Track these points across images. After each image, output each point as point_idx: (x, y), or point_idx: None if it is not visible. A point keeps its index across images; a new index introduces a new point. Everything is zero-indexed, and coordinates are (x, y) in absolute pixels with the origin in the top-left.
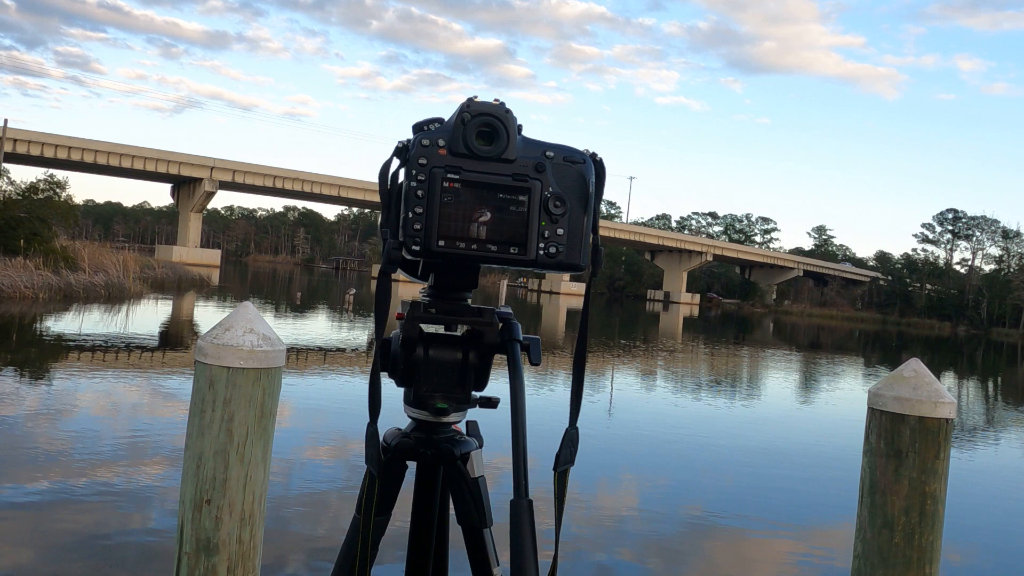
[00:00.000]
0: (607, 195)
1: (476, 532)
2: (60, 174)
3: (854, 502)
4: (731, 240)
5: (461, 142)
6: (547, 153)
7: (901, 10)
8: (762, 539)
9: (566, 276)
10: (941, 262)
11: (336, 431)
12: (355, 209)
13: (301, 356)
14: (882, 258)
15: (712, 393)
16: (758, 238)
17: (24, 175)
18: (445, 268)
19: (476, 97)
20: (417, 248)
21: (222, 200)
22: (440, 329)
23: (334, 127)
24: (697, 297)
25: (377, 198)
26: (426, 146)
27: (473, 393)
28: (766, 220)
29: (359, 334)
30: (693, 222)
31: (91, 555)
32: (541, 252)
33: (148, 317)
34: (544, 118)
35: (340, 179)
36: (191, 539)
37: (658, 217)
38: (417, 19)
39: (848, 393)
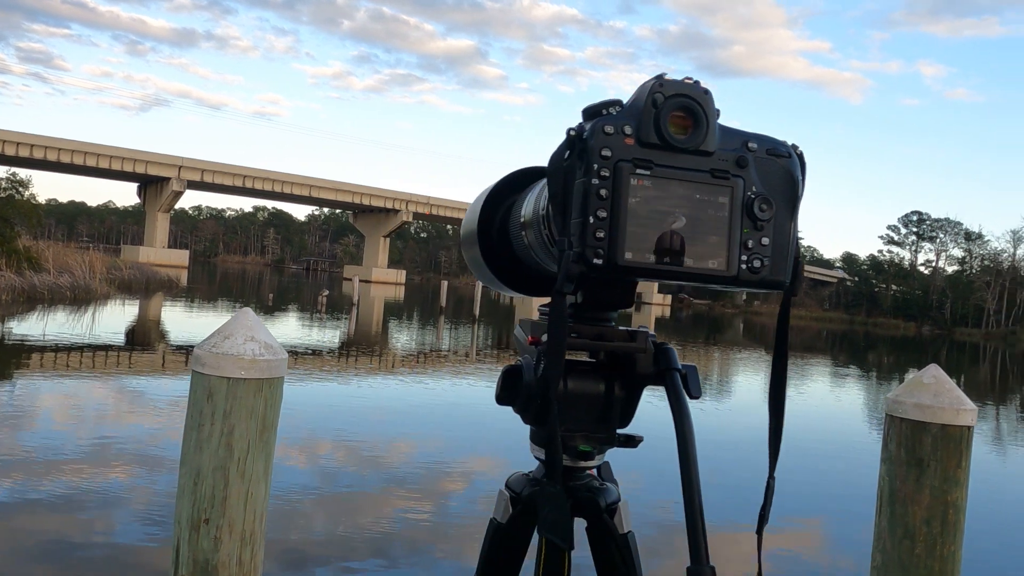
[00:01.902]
0: None
1: None
2: (23, 173)
3: (818, 497)
4: None
5: (652, 129)
6: (749, 144)
7: (866, 16)
8: (727, 534)
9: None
10: (906, 263)
11: (325, 436)
12: (326, 209)
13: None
14: (849, 259)
15: None
16: None
17: None
18: (601, 282)
19: (666, 74)
20: (599, 262)
21: (190, 200)
22: (576, 355)
23: (305, 127)
24: (669, 298)
25: (349, 198)
26: (610, 134)
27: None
28: None
29: (332, 334)
30: None
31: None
32: (743, 267)
33: (115, 319)
34: (516, 119)
35: (311, 179)
36: (187, 561)
37: None
38: (389, 19)
39: (818, 390)
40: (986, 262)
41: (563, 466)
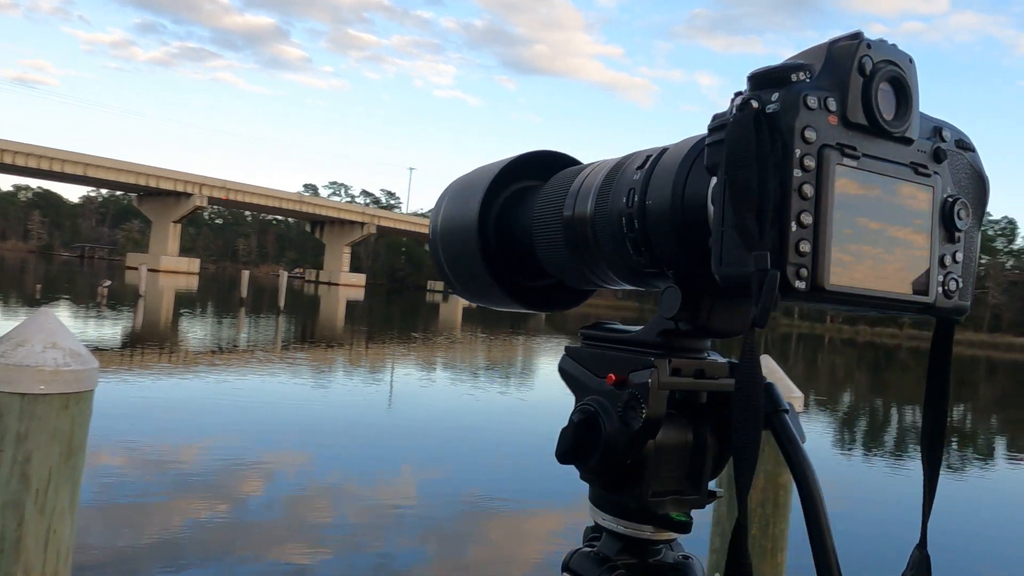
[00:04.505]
0: (388, 184)
1: None
2: None
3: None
4: None
5: (860, 106)
6: (943, 132)
7: (653, 27)
8: (535, 515)
9: (345, 267)
10: None
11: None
12: (104, 191)
13: None
14: None
15: (493, 382)
16: None
17: None
18: (727, 301)
19: (863, 33)
20: (802, 285)
21: None
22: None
23: (79, 98)
24: None
25: (133, 179)
26: (813, 109)
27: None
28: None
29: (113, 330)
30: None
31: None
32: (939, 289)
33: None
34: (321, 103)
35: (86, 156)
36: None
37: None
38: None
39: None
40: None
41: (640, 539)
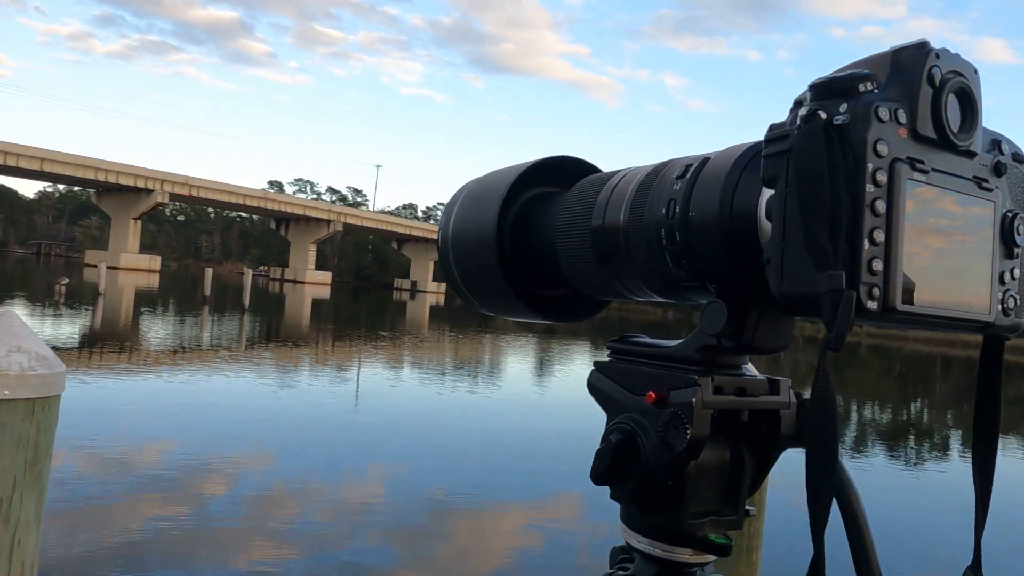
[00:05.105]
0: (354, 182)
1: None
2: None
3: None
4: None
5: (930, 118)
6: (1002, 146)
7: (619, 27)
8: (500, 513)
9: (311, 265)
10: None
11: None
12: (62, 187)
13: None
14: None
15: (462, 379)
16: None
17: None
18: (771, 316)
19: (928, 42)
20: (874, 306)
21: None
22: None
23: (34, 91)
24: (443, 286)
25: (92, 175)
26: (884, 121)
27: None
28: None
29: (71, 329)
30: (439, 212)
31: None
32: (999, 307)
33: None
34: (286, 99)
35: (42, 151)
36: None
37: (405, 206)
38: None
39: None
40: None
41: (676, 561)
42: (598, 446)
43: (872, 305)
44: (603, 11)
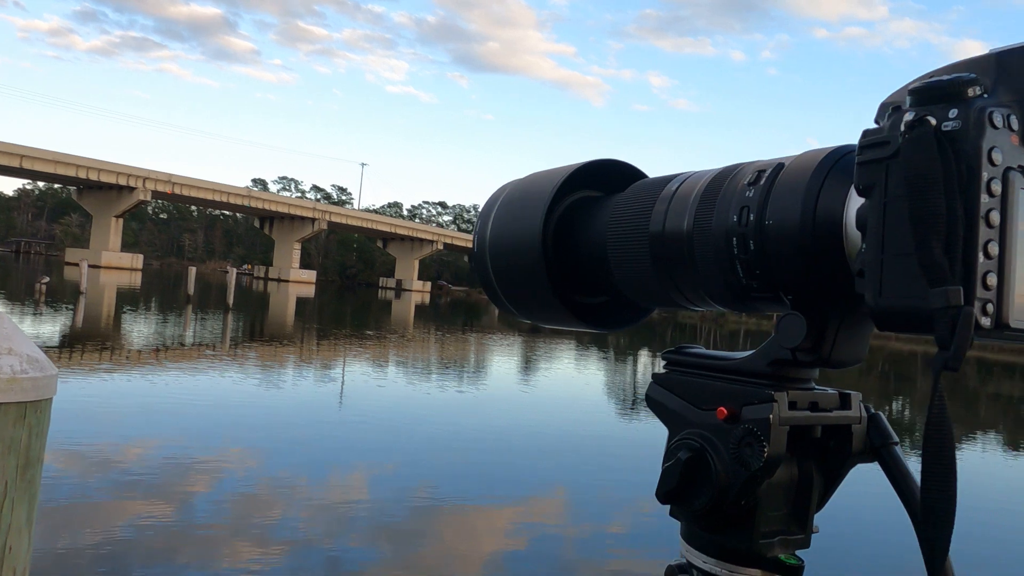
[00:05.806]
0: (339, 180)
1: None
2: None
3: (563, 470)
4: (460, 230)
5: None
6: None
7: (604, 26)
8: (485, 510)
9: (295, 264)
10: None
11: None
12: (42, 184)
13: None
14: None
15: (449, 377)
16: None
17: None
18: (848, 330)
19: None
20: (988, 322)
21: None
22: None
23: (14, 87)
24: (428, 285)
25: (73, 172)
26: (998, 128)
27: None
28: None
29: (52, 328)
30: (424, 211)
31: None
32: None
33: None
34: (271, 97)
35: (22, 147)
36: None
37: (390, 205)
38: None
39: (564, 370)
40: None
41: None
42: (663, 463)
43: (986, 321)
44: (588, 10)
